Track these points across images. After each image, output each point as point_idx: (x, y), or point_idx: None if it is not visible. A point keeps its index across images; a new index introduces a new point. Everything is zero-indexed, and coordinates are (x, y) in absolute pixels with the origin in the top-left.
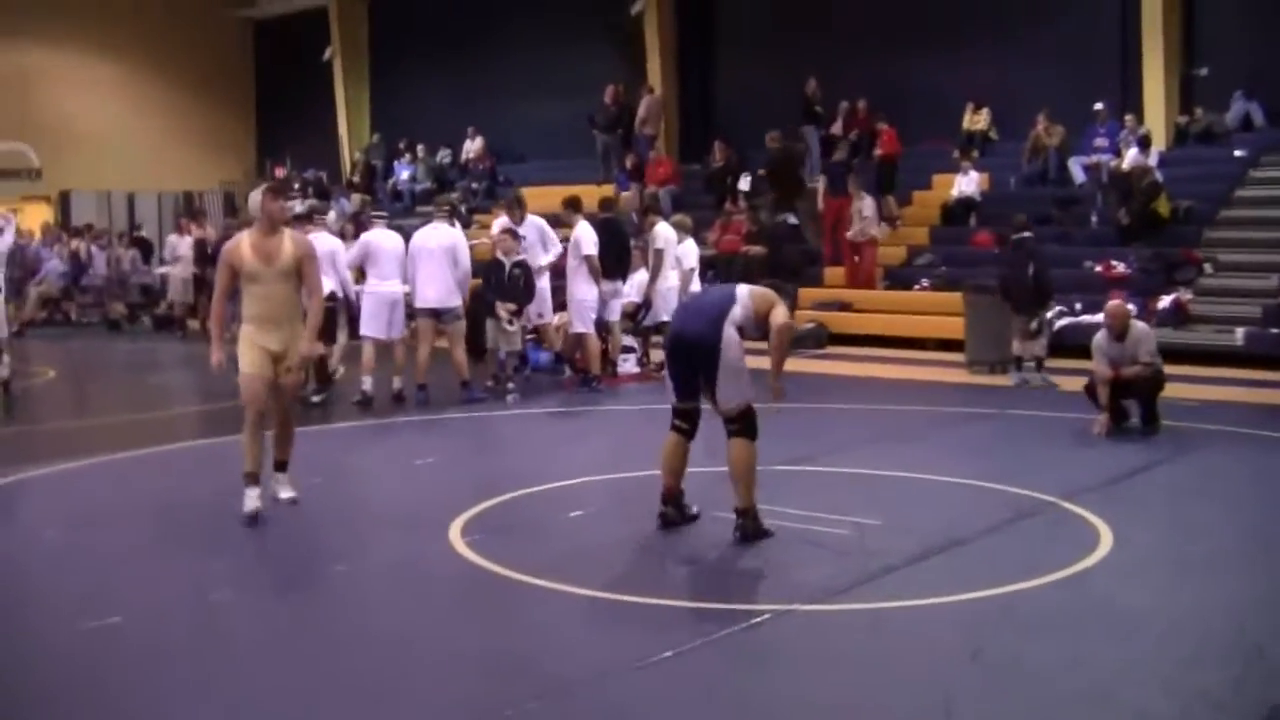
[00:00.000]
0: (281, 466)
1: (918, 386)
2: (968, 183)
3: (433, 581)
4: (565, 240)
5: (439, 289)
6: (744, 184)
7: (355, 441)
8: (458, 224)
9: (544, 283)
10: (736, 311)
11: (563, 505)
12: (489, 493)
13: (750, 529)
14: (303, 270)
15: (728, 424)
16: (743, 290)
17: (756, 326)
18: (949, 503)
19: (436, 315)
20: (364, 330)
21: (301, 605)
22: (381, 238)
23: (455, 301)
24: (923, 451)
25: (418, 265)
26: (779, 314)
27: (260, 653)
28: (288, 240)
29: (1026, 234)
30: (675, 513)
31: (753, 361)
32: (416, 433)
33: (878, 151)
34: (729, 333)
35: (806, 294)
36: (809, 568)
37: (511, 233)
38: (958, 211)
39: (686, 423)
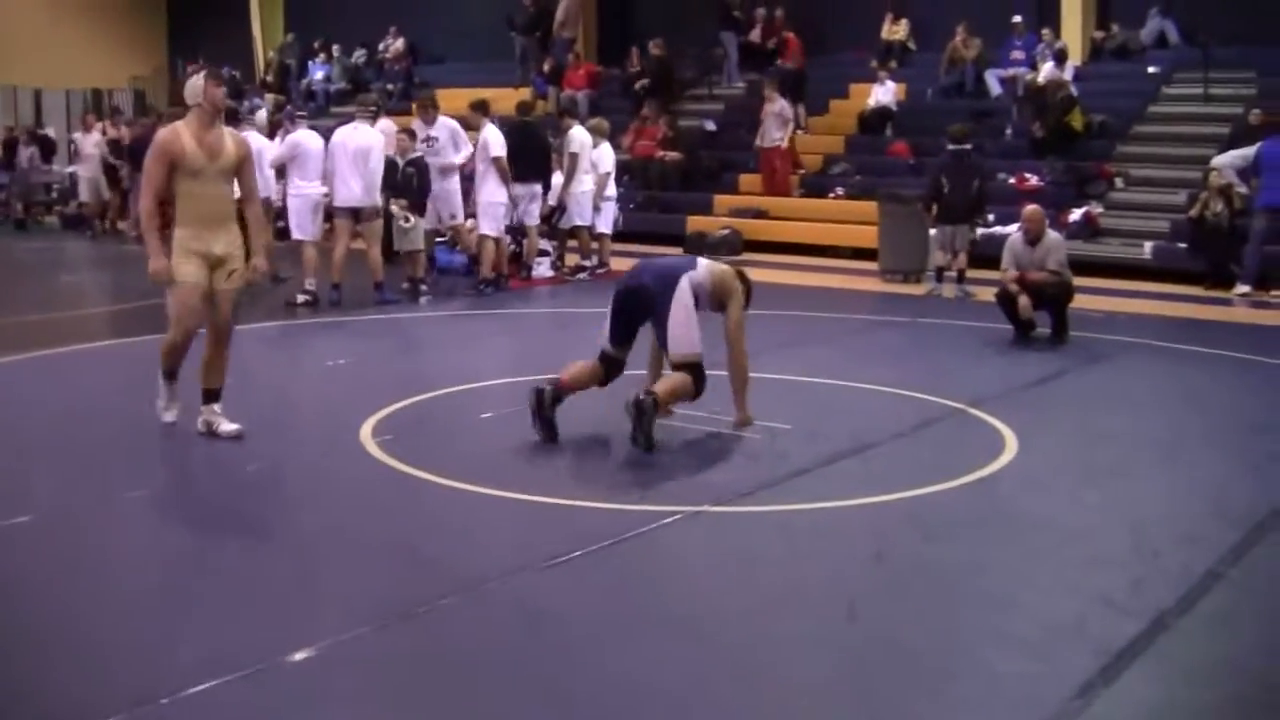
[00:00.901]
0: (215, 396)
1: (831, 294)
2: (884, 93)
3: (343, 481)
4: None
5: (359, 188)
6: (709, 125)
7: (267, 343)
8: (381, 123)
9: (454, 184)
10: (697, 274)
11: (473, 407)
12: (400, 394)
13: (643, 417)
14: (242, 171)
15: (675, 369)
16: (704, 261)
17: (709, 302)
18: (858, 408)
19: (355, 215)
20: (298, 233)
21: (210, 505)
22: (308, 138)
23: (374, 200)
24: (834, 358)
25: (337, 164)
26: (733, 312)
27: (169, 553)
28: (228, 137)
29: (967, 145)
30: (549, 405)
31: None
32: (329, 334)
33: (780, 61)
34: (683, 285)
35: (721, 200)
36: (719, 470)
37: (409, 132)
38: (874, 121)
39: (609, 369)
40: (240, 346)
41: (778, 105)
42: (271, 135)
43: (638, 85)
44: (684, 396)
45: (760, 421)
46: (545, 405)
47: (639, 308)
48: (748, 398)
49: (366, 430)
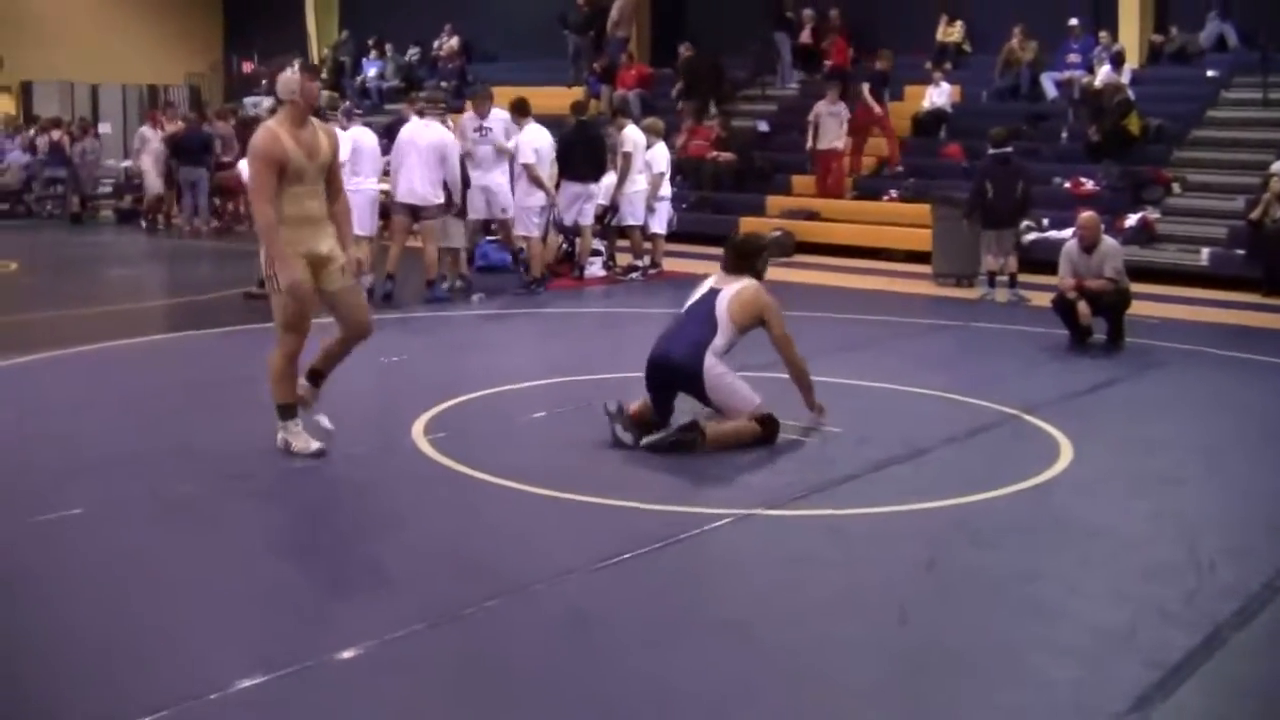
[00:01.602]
0: (319, 379)
1: (883, 297)
2: (939, 95)
3: (395, 479)
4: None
5: (422, 185)
6: (762, 126)
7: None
8: (449, 122)
9: (505, 175)
10: (718, 342)
11: (526, 406)
12: (452, 392)
13: (679, 443)
14: (333, 166)
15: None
16: (722, 307)
17: (744, 330)
18: (911, 413)
19: (414, 212)
20: (357, 229)
21: (263, 501)
22: (364, 135)
23: (437, 199)
24: (887, 362)
25: (403, 159)
26: (775, 328)
27: (223, 550)
28: (320, 132)
29: (1008, 148)
30: (628, 432)
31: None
32: (382, 331)
33: (828, 62)
34: (710, 362)
35: (774, 202)
36: (771, 474)
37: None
38: (928, 123)
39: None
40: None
41: (836, 107)
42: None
43: (673, 90)
44: (745, 444)
45: (813, 425)
46: (619, 425)
47: (673, 382)
48: (812, 387)
49: (419, 428)
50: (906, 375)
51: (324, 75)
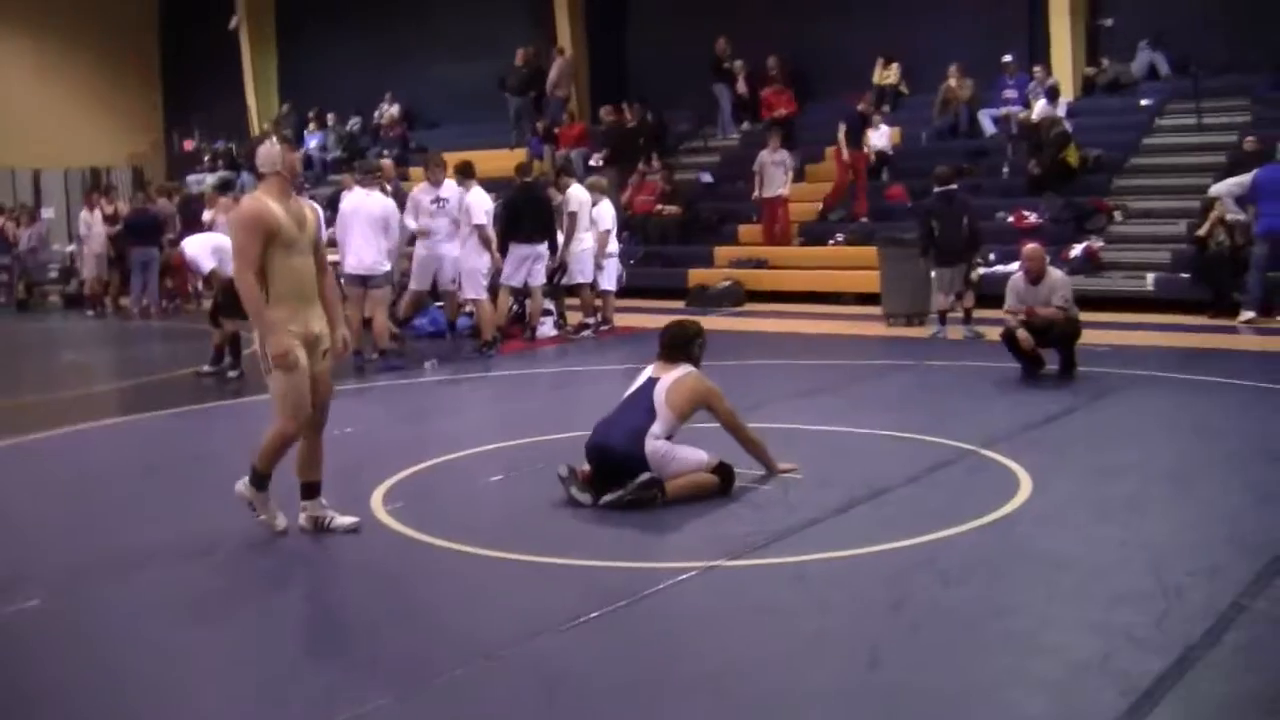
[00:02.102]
0: (318, 489)
1: (836, 341)
2: (879, 137)
3: (355, 550)
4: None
5: (370, 255)
6: (705, 178)
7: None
8: (389, 190)
9: (458, 251)
10: (656, 428)
11: (482, 471)
12: (409, 460)
13: (637, 500)
14: (317, 240)
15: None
16: (660, 397)
17: (684, 419)
18: (870, 454)
19: (364, 282)
20: None
21: (223, 576)
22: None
23: (384, 267)
24: (842, 404)
25: (348, 231)
26: (721, 410)
27: (175, 630)
28: (304, 205)
29: (953, 186)
30: (584, 493)
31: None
32: (338, 401)
33: (774, 113)
34: (652, 446)
35: (722, 252)
36: (732, 524)
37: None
38: (871, 166)
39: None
40: (249, 418)
41: (779, 155)
42: None
43: (594, 159)
44: (704, 496)
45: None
46: (573, 488)
47: (614, 466)
48: (769, 455)
49: (377, 498)
50: (863, 417)
51: None
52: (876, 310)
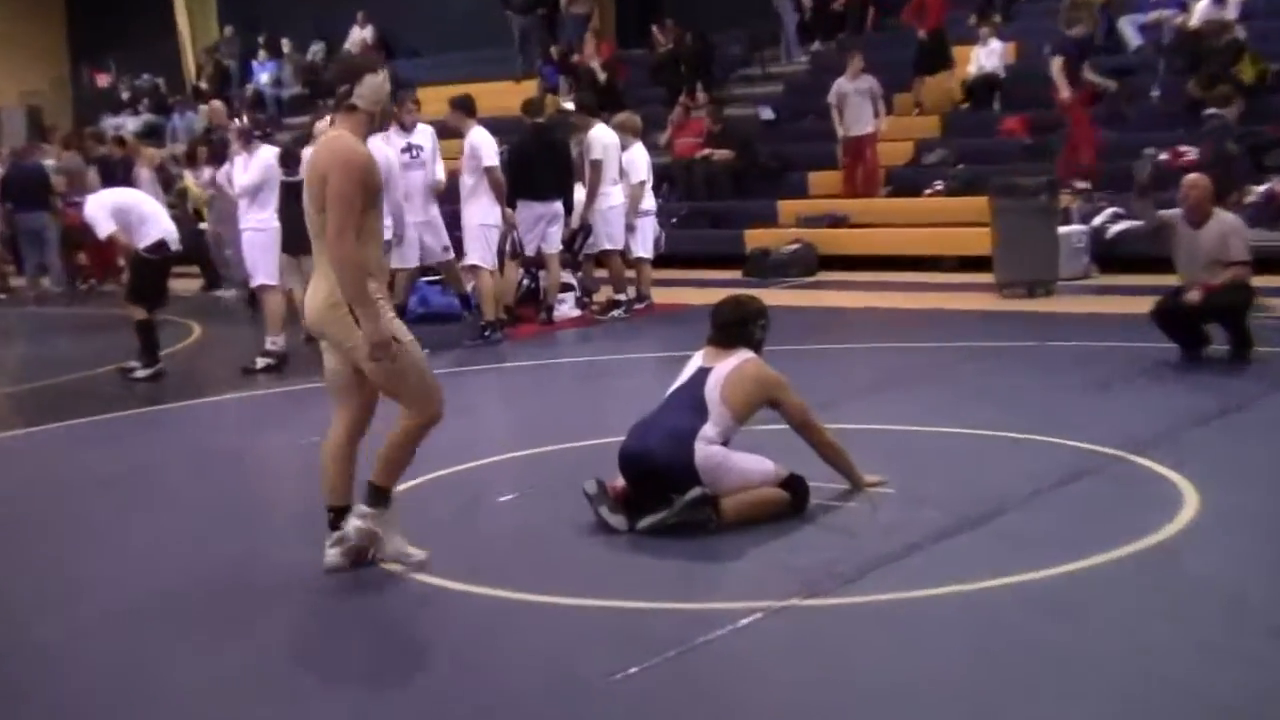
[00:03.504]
0: (387, 497)
1: (935, 318)
2: (989, 56)
3: (342, 594)
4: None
5: None
6: (765, 113)
7: (223, 422)
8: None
9: (434, 210)
10: (708, 430)
11: (492, 488)
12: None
13: (686, 523)
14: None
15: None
16: (714, 391)
17: (744, 419)
18: (981, 462)
19: None
20: (263, 277)
21: (204, 627)
22: (275, 159)
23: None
24: (945, 398)
25: None
26: (788, 404)
27: (156, 689)
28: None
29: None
30: (616, 514)
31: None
32: (299, 404)
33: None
34: (701, 451)
35: (788, 207)
36: (807, 552)
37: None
38: (978, 92)
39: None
40: (189, 426)
41: (864, 81)
42: (214, 159)
43: (681, 66)
44: (770, 516)
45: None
46: (604, 508)
47: (655, 480)
48: (854, 466)
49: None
50: (971, 415)
51: (204, 84)
52: (987, 278)
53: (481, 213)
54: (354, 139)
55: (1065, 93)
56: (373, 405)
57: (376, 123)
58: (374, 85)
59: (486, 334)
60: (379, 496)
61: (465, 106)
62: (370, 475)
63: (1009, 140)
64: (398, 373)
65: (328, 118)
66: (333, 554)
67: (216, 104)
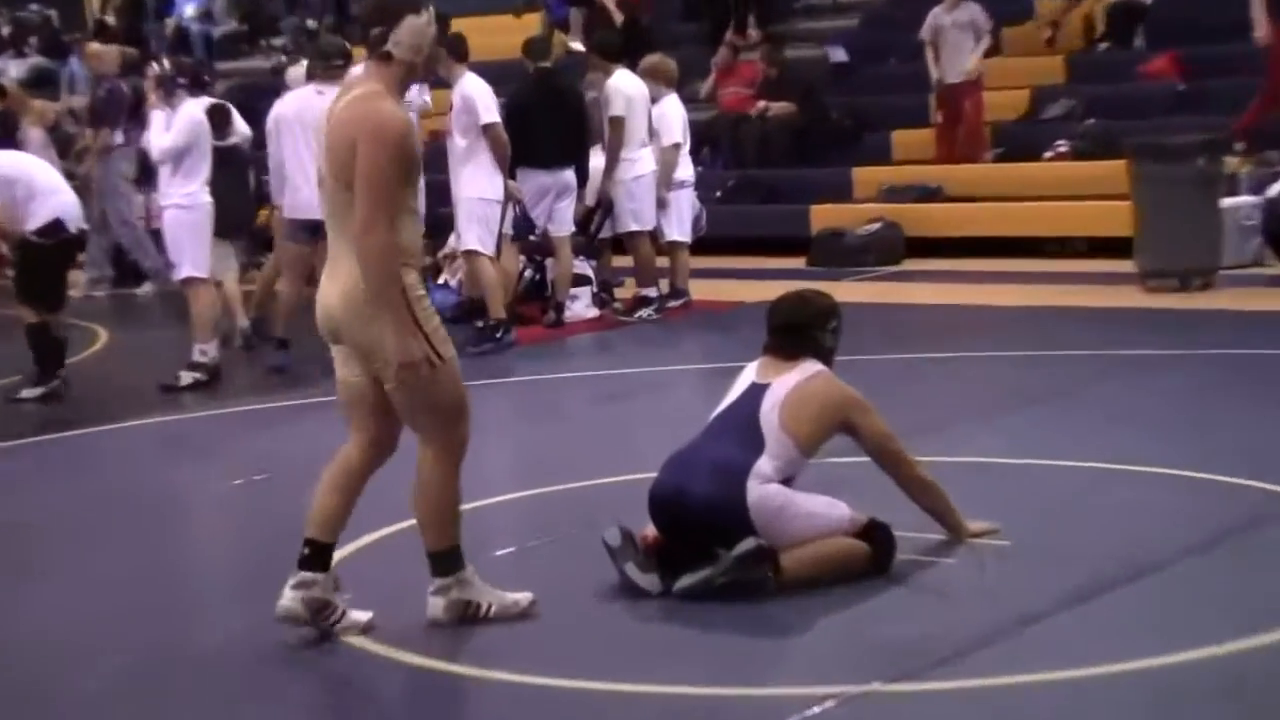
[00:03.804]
0: (329, 556)
1: (1058, 319)
2: None
3: (296, 673)
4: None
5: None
6: (836, 55)
7: (141, 449)
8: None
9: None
10: (764, 465)
11: (486, 537)
12: (370, 521)
13: (738, 583)
14: None
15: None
16: (772, 413)
17: (811, 450)
18: (1125, 507)
19: (314, 231)
20: (189, 268)
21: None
22: (203, 118)
23: None
24: (1073, 423)
25: (286, 154)
26: (868, 429)
27: None
28: None
29: None
30: (647, 574)
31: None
32: (235, 428)
33: None
34: (756, 492)
35: (865, 176)
36: (894, 622)
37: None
38: (1117, 23)
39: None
40: (92, 461)
41: (966, 11)
42: (99, 118)
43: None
44: (845, 575)
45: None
46: (631, 564)
47: (697, 528)
48: (955, 511)
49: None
50: (1108, 444)
51: (110, 19)
52: (1126, 266)
53: (479, 184)
54: (390, 99)
55: (1262, 30)
56: (400, 426)
57: (418, 74)
58: (415, 29)
59: (498, 335)
60: (448, 560)
61: (454, 49)
62: (426, 546)
63: (1156, 85)
64: (427, 399)
65: (360, 65)
66: (290, 597)
67: (97, 48)
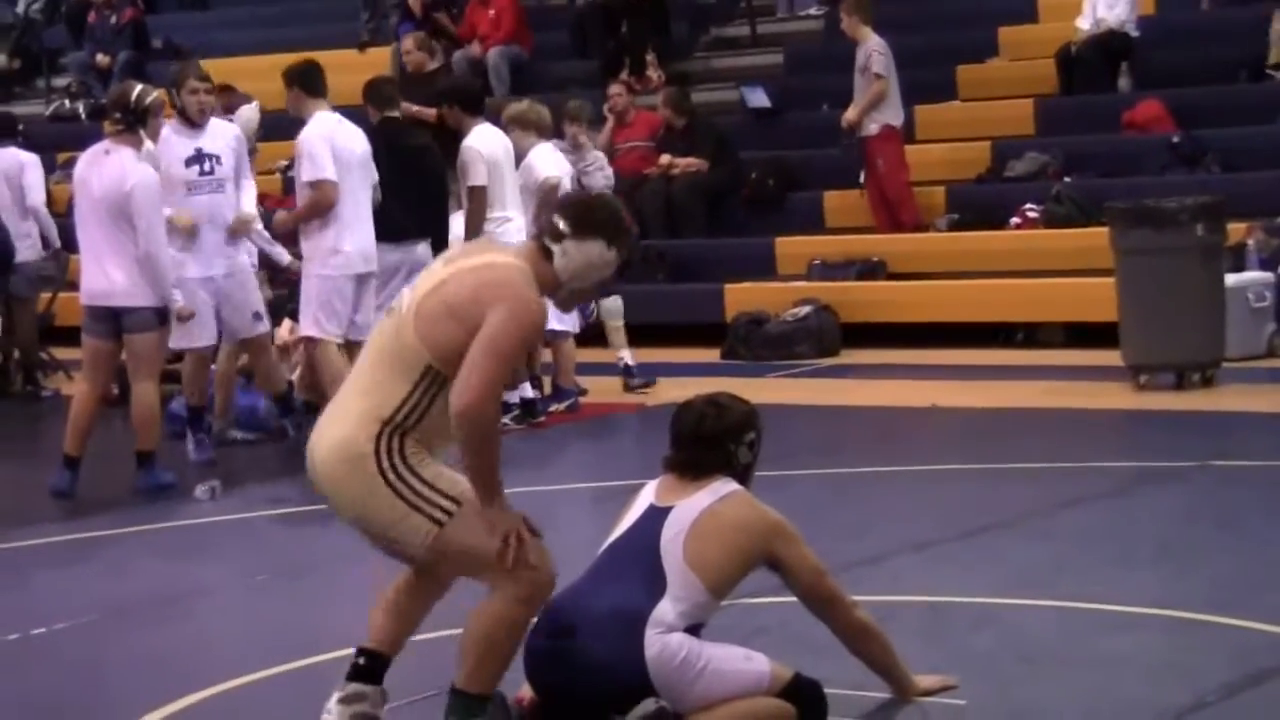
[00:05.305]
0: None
1: (1030, 423)
2: (1110, 6)
3: None
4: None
5: (119, 273)
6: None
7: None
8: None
9: (242, 258)
10: (666, 610)
11: (316, 704)
12: (151, 695)
13: None
14: None
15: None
16: (675, 545)
17: (723, 591)
18: (1099, 656)
19: (113, 320)
20: None
21: None
22: None
23: (146, 297)
24: (1050, 555)
25: (79, 227)
26: (798, 565)
27: None
28: None
29: None
30: None
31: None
32: (33, 568)
33: None
34: (659, 645)
35: (790, 248)
36: None
37: None
38: (1091, 63)
39: None
40: None
41: (862, 53)
42: None
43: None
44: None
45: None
46: None
47: (584, 688)
48: (901, 663)
49: None
50: (1094, 580)
51: None
52: (1111, 357)
53: (323, 251)
54: (531, 279)
55: None
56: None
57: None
58: (591, 258)
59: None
60: (472, 708)
61: (306, 81)
62: (455, 678)
63: (1142, 138)
64: (463, 554)
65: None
66: (336, 711)
67: None
